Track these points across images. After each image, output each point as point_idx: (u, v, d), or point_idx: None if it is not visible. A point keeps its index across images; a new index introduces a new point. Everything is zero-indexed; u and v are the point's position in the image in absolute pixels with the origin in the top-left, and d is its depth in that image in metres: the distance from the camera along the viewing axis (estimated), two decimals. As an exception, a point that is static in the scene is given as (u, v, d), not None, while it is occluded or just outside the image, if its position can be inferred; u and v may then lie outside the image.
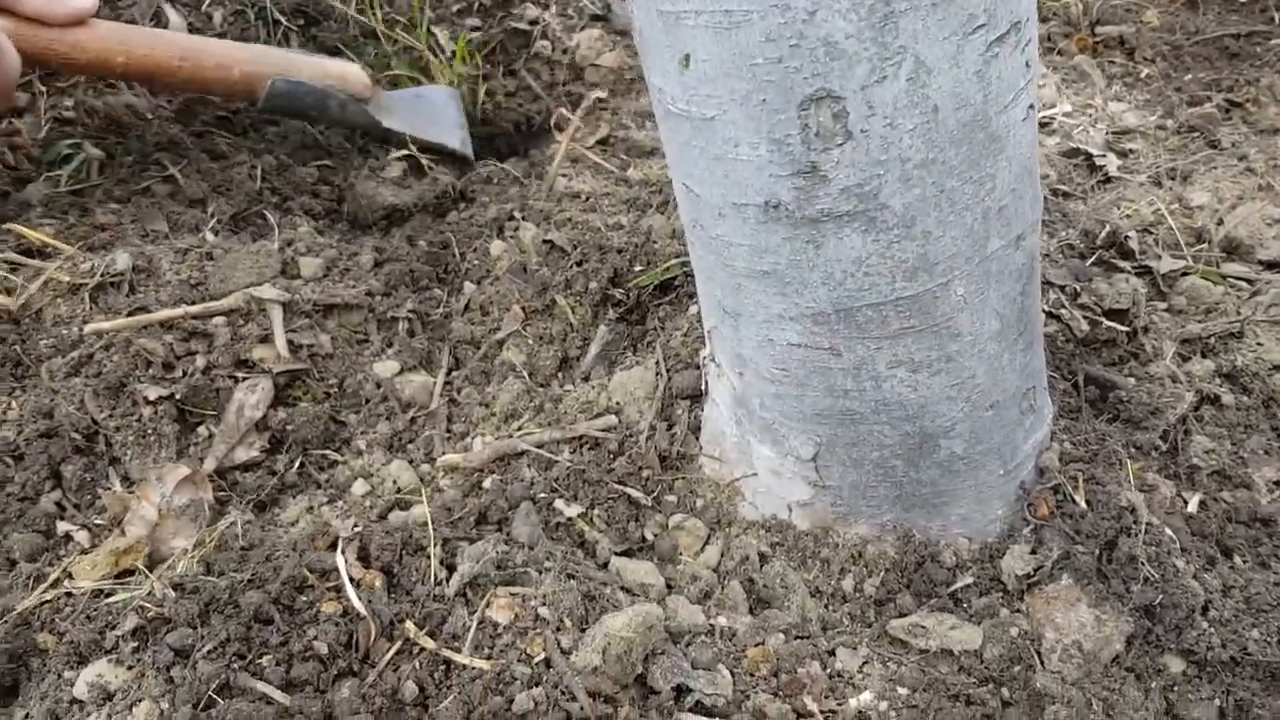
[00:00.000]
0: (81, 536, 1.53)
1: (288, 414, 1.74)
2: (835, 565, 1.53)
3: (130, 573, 1.44)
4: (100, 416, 1.64)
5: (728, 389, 1.55)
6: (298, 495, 1.67)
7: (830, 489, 1.50)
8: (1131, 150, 2.22)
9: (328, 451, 1.75)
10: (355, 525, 1.44)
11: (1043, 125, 2.38)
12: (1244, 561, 1.52)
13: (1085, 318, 1.78)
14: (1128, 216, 1.98)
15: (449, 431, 1.80)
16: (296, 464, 1.71)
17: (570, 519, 1.57)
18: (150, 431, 1.63)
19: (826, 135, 1.17)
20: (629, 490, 1.61)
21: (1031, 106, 1.27)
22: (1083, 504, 1.46)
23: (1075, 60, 2.63)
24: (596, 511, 1.60)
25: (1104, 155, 2.14)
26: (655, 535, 1.58)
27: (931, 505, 1.49)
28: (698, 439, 1.69)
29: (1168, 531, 1.43)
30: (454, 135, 2.57)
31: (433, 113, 2.58)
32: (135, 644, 1.28)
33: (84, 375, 1.68)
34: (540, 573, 1.42)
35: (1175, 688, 1.36)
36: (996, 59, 1.18)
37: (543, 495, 1.60)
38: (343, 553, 1.37)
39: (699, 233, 1.39)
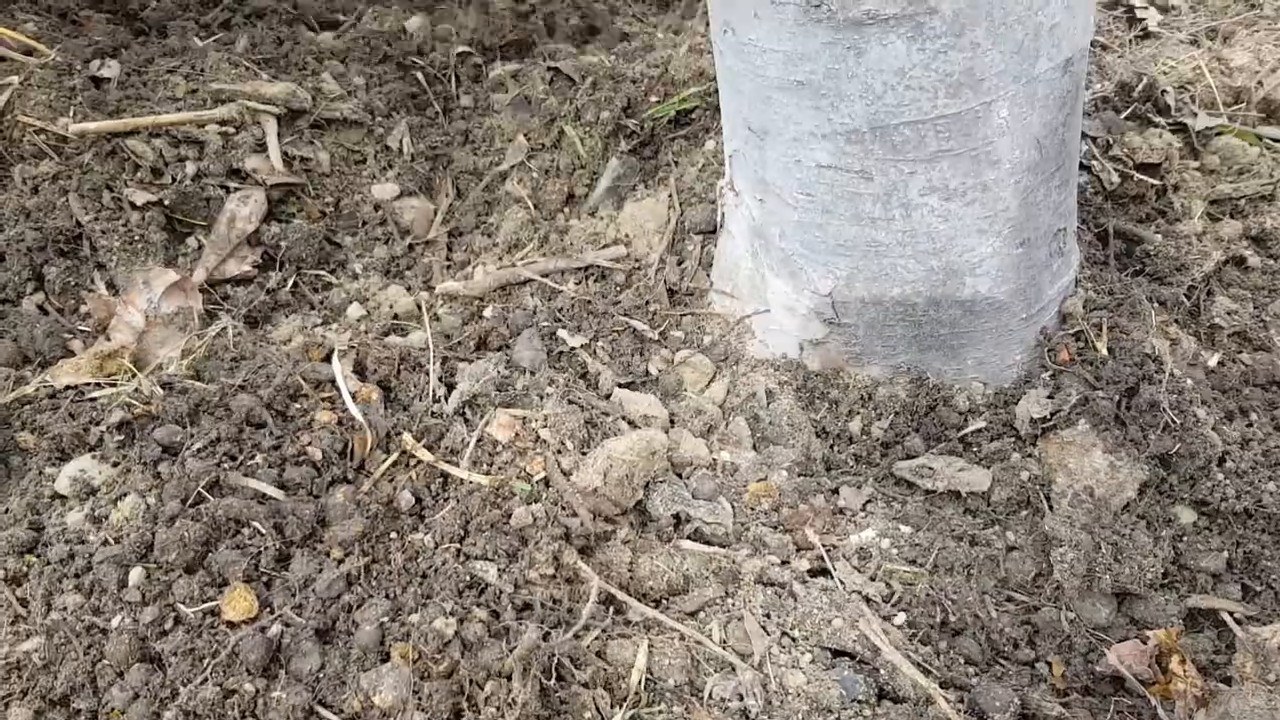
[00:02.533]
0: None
1: (281, 230, 1.64)
2: (844, 406, 1.46)
3: (114, 377, 1.36)
4: (85, 220, 1.54)
5: (746, 218, 1.46)
6: (290, 314, 1.59)
7: (846, 327, 1.43)
8: (1173, 6, 2.08)
9: (322, 272, 1.67)
10: (351, 340, 1.36)
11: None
12: (1260, 420, 1.46)
13: (1116, 170, 1.69)
14: (1165, 72, 1.87)
15: (449, 260, 1.71)
16: (290, 282, 1.63)
17: (573, 349, 1.50)
18: (137, 238, 1.53)
19: (879, -76, 1.06)
20: (634, 323, 1.53)
21: (1100, -90, 1.15)
22: (1104, 351, 1.39)
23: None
24: (600, 343, 1.52)
25: (1146, 8, 2.01)
26: (660, 370, 1.51)
27: (949, 347, 1.42)
28: (709, 274, 1.61)
29: (1189, 382, 1.36)
30: None
31: None
32: (120, 439, 1.21)
33: (68, 178, 1.57)
34: (541, 397, 1.35)
35: (1185, 537, 1.31)
36: None
37: (546, 324, 1.52)
38: (339, 363, 1.29)
39: (729, 39, 1.28)
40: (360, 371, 1.33)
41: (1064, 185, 1.36)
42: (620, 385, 1.47)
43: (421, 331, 1.48)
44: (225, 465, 1.15)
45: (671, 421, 1.44)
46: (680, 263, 1.61)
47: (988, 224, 1.30)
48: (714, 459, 1.38)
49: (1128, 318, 1.45)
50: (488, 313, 1.56)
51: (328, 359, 1.33)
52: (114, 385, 1.29)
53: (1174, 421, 1.29)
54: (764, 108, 1.29)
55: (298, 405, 1.25)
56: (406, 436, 1.22)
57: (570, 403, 1.35)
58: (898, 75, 1.17)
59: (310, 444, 1.19)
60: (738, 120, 1.37)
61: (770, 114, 1.29)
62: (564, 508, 1.17)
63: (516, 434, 1.25)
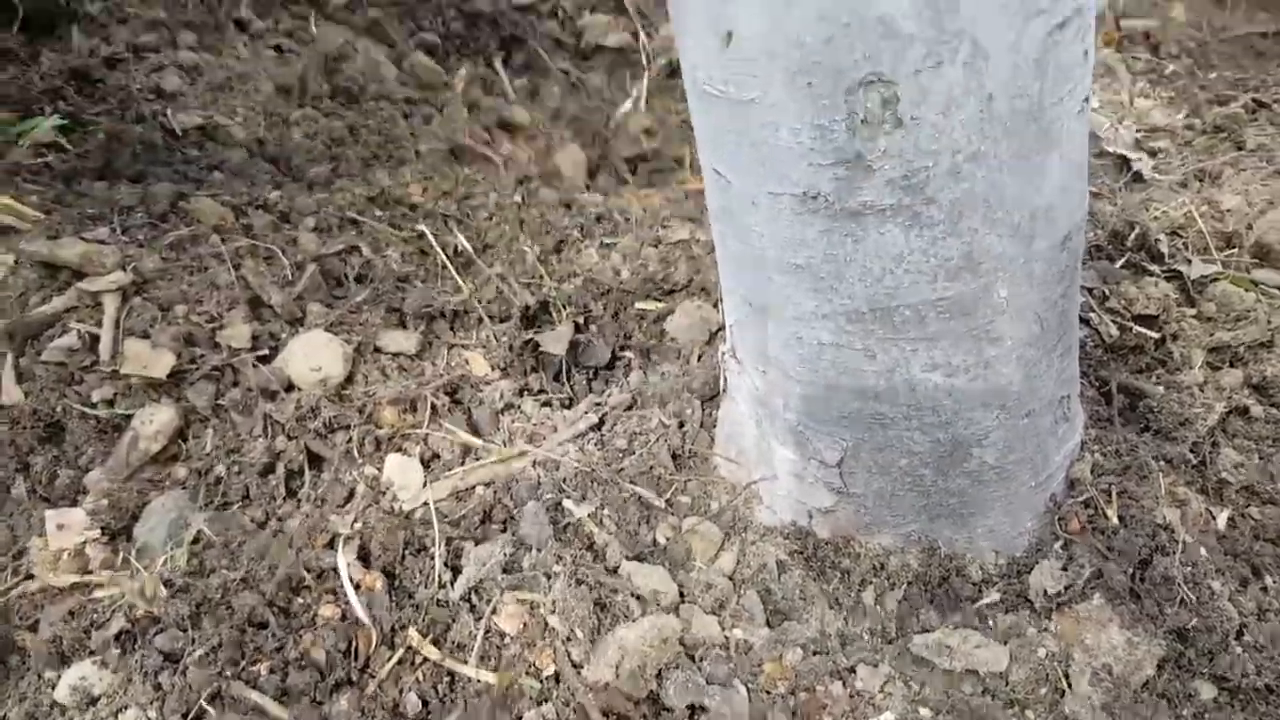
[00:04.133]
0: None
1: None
2: (856, 576, 1.45)
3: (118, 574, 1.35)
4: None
5: (749, 388, 1.47)
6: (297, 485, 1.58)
7: (854, 496, 1.43)
8: (1160, 149, 2.15)
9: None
10: (355, 522, 1.35)
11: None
12: (1274, 581, 1.45)
13: (1114, 322, 1.72)
14: (1156, 219, 1.92)
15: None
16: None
17: (579, 520, 1.49)
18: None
19: (874, 122, 1.09)
20: (640, 490, 1.53)
21: (1086, 99, 1.19)
22: (1115, 519, 1.39)
23: (1101, 55, 2.56)
24: (606, 512, 1.52)
25: (1138, 157, 2.06)
26: (668, 539, 1.50)
27: (959, 516, 1.42)
28: (710, 438, 1.61)
29: (1202, 551, 1.36)
30: None
31: None
32: (122, 645, 1.19)
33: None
34: (549, 577, 1.34)
35: (1207, 714, 1.29)
36: (1057, 46, 1.10)
37: (550, 495, 1.52)
38: (342, 552, 1.28)
39: (728, 222, 1.31)
40: (365, 557, 1.32)
41: (1066, 354, 1.38)
42: (628, 557, 1.46)
43: (425, 509, 1.48)
44: (227, 673, 1.14)
45: (681, 596, 1.42)
46: (681, 426, 1.62)
47: (992, 398, 1.31)
48: (727, 637, 1.36)
49: (1136, 482, 1.45)
50: (491, 486, 1.55)
51: (331, 544, 1.33)
52: (116, 585, 1.28)
53: (1189, 597, 1.29)
54: (764, 287, 1.31)
55: (300, 600, 1.24)
56: (412, 632, 1.21)
57: (579, 582, 1.34)
58: (896, 261, 1.19)
59: (313, 644, 1.17)
60: (738, 296, 1.39)
61: (771, 293, 1.31)
62: (575, 709, 1.15)
63: (524, 624, 1.24)
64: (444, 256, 1.91)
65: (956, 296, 1.22)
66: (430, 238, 1.92)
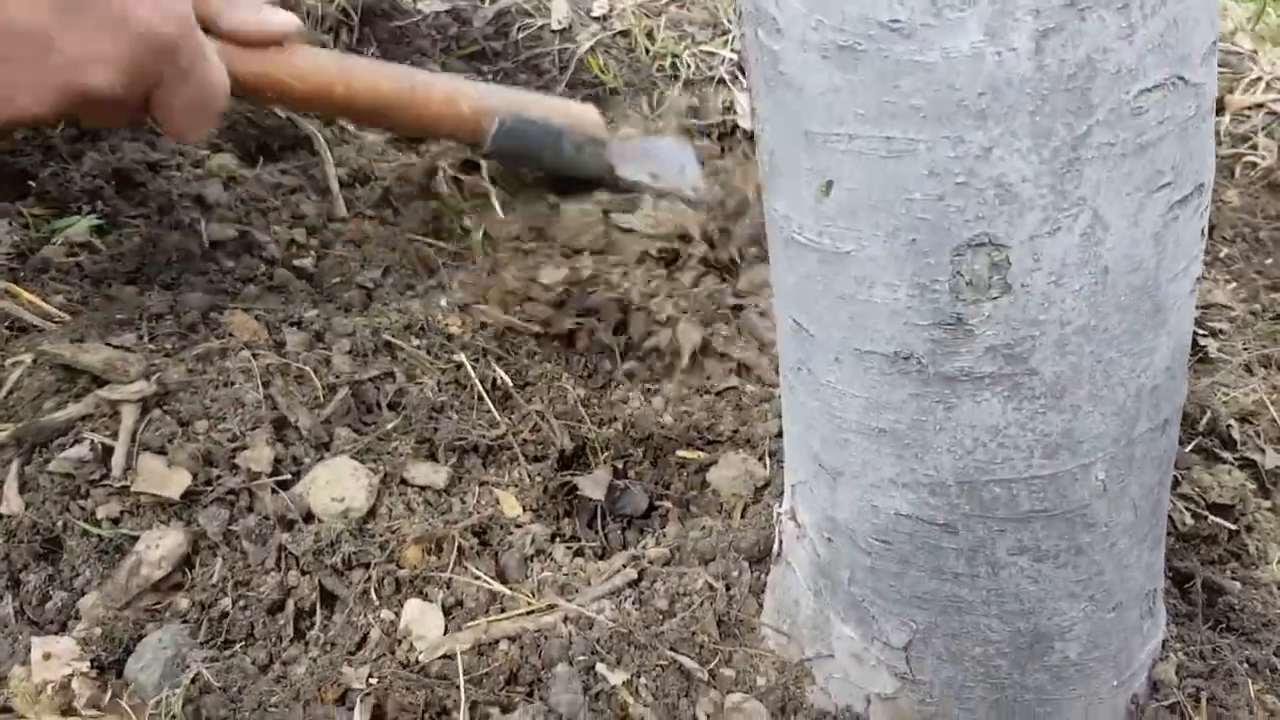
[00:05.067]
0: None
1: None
2: (915, 773, 1.32)
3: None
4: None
5: (809, 554, 1.37)
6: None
7: (920, 684, 1.31)
8: (1221, 330, 2.10)
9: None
10: (370, 676, 1.23)
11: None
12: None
13: (1188, 509, 1.62)
14: (1225, 403, 1.85)
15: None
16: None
17: (614, 687, 1.37)
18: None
19: (980, 286, 1.03)
20: (681, 659, 1.41)
21: (1199, 279, 1.13)
22: (1208, 730, 1.27)
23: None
24: (643, 680, 1.39)
25: (1205, 335, 2.01)
26: (709, 715, 1.37)
27: (1033, 715, 1.30)
28: (758, 604, 1.50)
29: (1307, 773, 1.24)
30: (687, 182, 2.37)
31: (664, 159, 2.38)
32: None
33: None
34: (581, 753, 1.21)
35: None
36: (1176, 222, 1.05)
37: (582, 658, 1.40)
38: (358, 711, 1.16)
39: (804, 377, 1.24)
40: (379, 718, 1.19)
41: (1156, 546, 1.29)
42: (664, 735, 1.33)
43: (444, 662, 1.36)
44: None
45: (721, 783, 1.29)
46: (729, 589, 1.51)
47: (1080, 588, 1.21)
48: (771, 836, 1.22)
49: (1225, 688, 1.34)
50: (517, 642, 1.43)
51: (342, 700, 1.20)
52: (102, 731, 1.15)
53: (1305, 832, 1.16)
54: (839, 449, 1.23)
55: (307, 767, 1.11)
56: (432, 817, 1.08)
57: (612, 763, 1.21)
58: (990, 433, 1.11)
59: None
60: (806, 455, 1.30)
61: (846, 456, 1.22)
62: None
63: (557, 812, 1.11)
64: (481, 389, 1.83)
65: (1053, 475, 1.14)
66: (469, 367, 1.85)
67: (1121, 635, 1.28)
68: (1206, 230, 1.13)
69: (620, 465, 1.82)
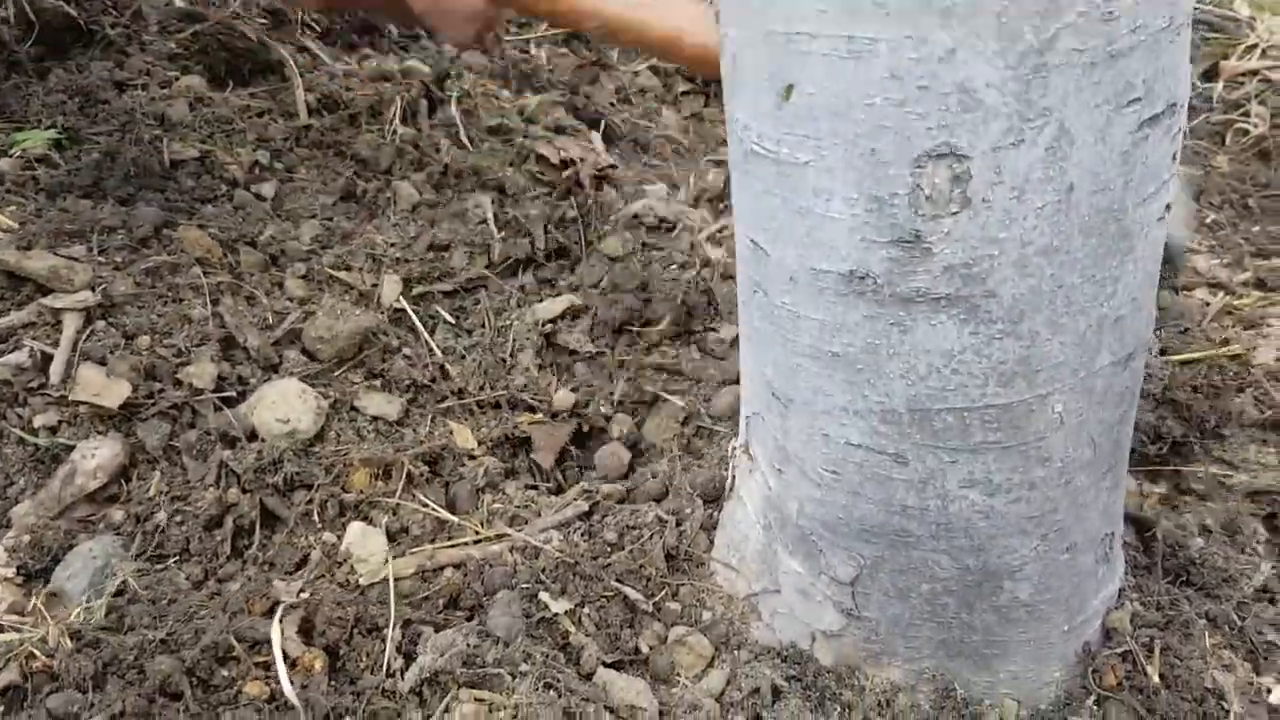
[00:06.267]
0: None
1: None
2: (858, 713, 1.30)
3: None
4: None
5: (760, 488, 1.34)
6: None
7: (865, 621, 1.28)
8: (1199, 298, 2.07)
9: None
10: (302, 591, 1.20)
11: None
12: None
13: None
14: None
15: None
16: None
17: (556, 615, 1.34)
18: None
19: (940, 200, 0.99)
20: (627, 590, 1.38)
21: (1168, 207, 1.10)
22: (1156, 678, 1.25)
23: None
24: (587, 610, 1.36)
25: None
26: (652, 648, 1.35)
27: (980, 656, 1.27)
28: (710, 541, 1.47)
29: (1257, 725, 1.21)
30: None
31: None
32: (7, 703, 1.02)
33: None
34: (515, 676, 1.18)
35: None
36: (1146, 141, 1.01)
37: (526, 585, 1.36)
38: (280, 622, 1.13)
39: (760, 299, 1.20)
40: (308, 631, 1.16)
41: (1115, 488, 1.26)
42: (606, 664, 1.30)
43: (385, 586, 1.33)
44: (126, 749, 0.97)
45: (663, 714, 1.26)
46: (679, 524, 1.48)
47: (1032, 525, 1.18)
48: (707, 768, 1.20)
49: (1180, 639, 1.32)
50: (458, 568, 1.40)
51: (271, 613, 1.17)
52: (17, 631, 1.12)
53: (1247, 779, 1.13)
54: (792, 375, 1.19)
55: (226, 672, 1.08)
56: (350, 725, 1.05)
57: (548, 686, 1.18)
58: (945, 358, 1.08)
59: (233, 726, 1.01)
60: (760, 383, 1.27)
61: (798, 382, 1.19)
62: (530, 837, 0.99)
63: (480, 729, 1.08)
64: (426, 335, 1.78)
65: (1007, 405, 1.10)
66: (412, 316, 1.80)
67: (1074, 579, 1.25)
68: (1179, 155, 1.09)
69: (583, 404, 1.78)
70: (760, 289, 1.19)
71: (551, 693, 1.16)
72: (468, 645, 1.18)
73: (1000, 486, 1.16)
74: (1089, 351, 1.10)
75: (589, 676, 1.28)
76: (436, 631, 1.22)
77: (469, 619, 1.32)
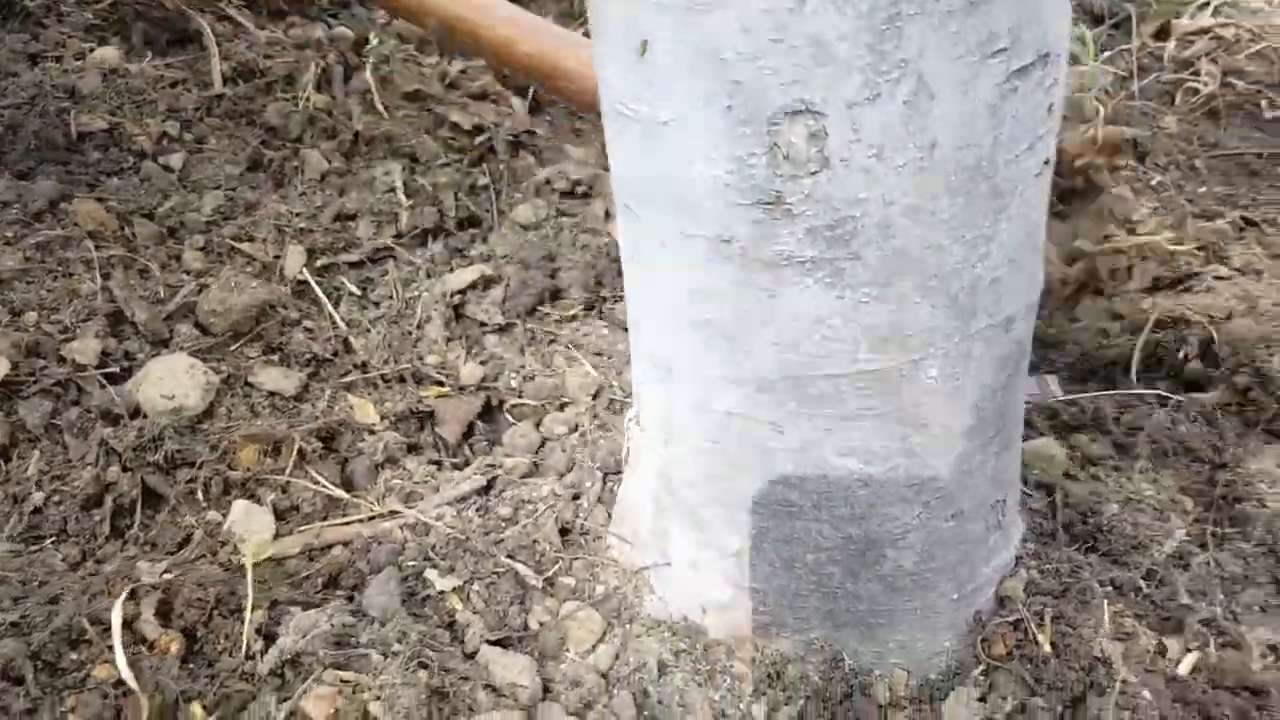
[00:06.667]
0: None
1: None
2: (748, 685, 1.28)
3: None
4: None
5: (651, 459, 1.31)
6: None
7: (754, 592, 1.26)
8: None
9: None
10: (166, 571, 1.16)
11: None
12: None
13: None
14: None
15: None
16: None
17: (442, 593, 1.31)
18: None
19: (798, 160, 0.96)
20: (518, 566, 1.35)
21: (1047, 162, 1.07)
22: (1047, 647, 1.23)
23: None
24: (476, 587, 1.34)
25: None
26: (542, 624, 1.32)
27: (868, 626, 1.26)
28: (608, 514, 1.45)
29: (1146, 695, 1.20)
30: None
31: None
32: None
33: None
34: (386, 656, 1.15)
35: None
36: (1015, 94, 0.98)
37: (413, 562, 1.34)
38: (138, 603, 1.09)
39: (636, 265, 1.17)
40: (166, 614, 1.13)
41: (1004, 451, 1.24)
42: (491, 641, 1.28)
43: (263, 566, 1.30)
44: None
45: (546, 690, 1.24)
46: (576, 498, 1.45)
47: (914, 493, 1.16)
48: (588, 745, 1.18)
49: (1076, 607, 1.30)
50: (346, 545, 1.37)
51: (133, 595, 1.14)
52: None
53: (1124, 748, 1.12)
54: (670, 343, 1.17)
55: (75, 656, 1.05)
56: (195, 709, 1.01)
57: (420, 665, 1.16)
58: (814, 324, 1.05)
59: (73, 710, 0.98)
60: (644, 352, 1.24)
61: (677, 350, 1.16)
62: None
63: (338, 710, 1.05)
64: (330, 307, 1.74)
65: (880, 372, 1.08)
66: (316, 288, 1.76)
67: (962, 546, 1.23)
68: (1060, 108, 1.06)
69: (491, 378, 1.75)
70: (636, 254, 1.16)
71: (424, 672, 1.14)
72: (332, 626, 1.15)
73: (878, 454, 1.13)
74: (964, 315, 1.08)
75: (471, 655, 1.25)
76: (304, 610, 1.19)
77: (349, 599, 1.29)
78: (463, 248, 1.90)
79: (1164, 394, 1.86)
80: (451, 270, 1.84)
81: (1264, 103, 2.82)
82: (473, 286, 1.78)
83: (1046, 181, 1.10)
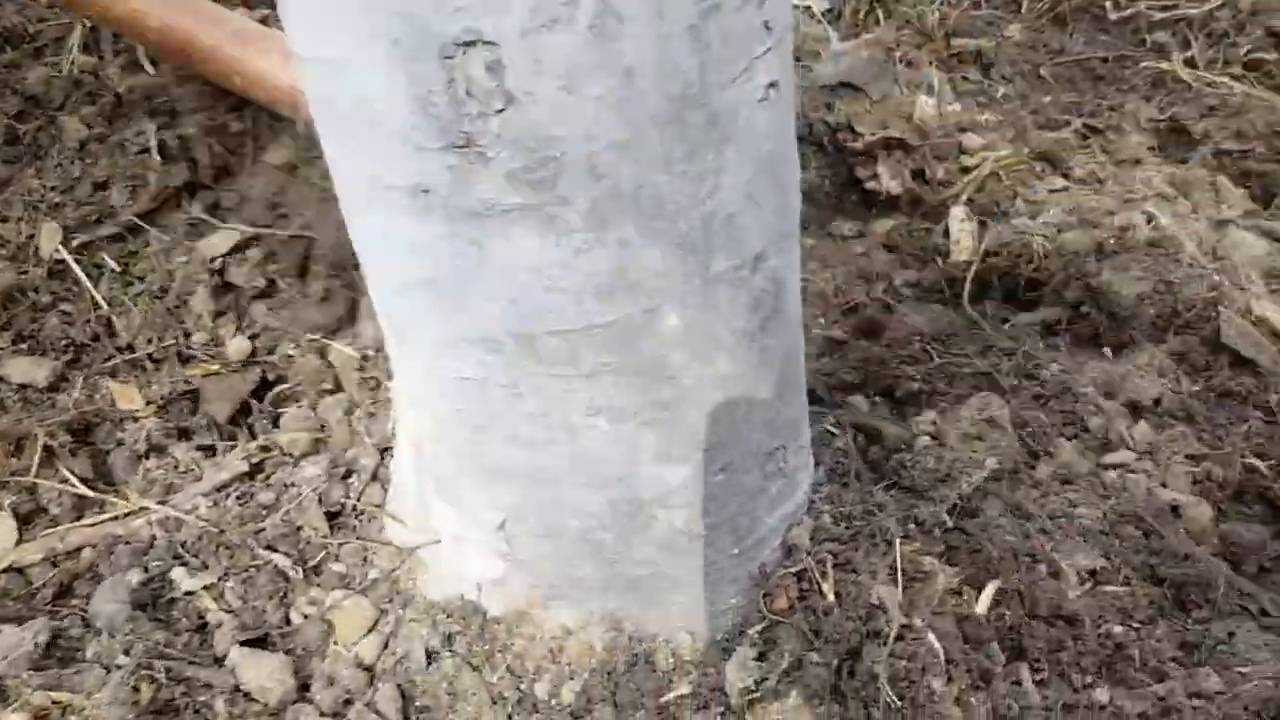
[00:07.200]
0: None
1: None
2: (530, 662, 1.21)
3: None
4: None
5: (405, 429, 1.23)
6: None
7: (525, 564, 1.19)
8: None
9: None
10: None
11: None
12: (1037, 672, 1.26)
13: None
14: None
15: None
16: None
17: (190, 593, 1.21)
18: None
19: (481, 96, 0.87)
20: (276, 558, 1.26)
21: (774, 85, 0.99)
22: (831, 597, 1.18)
23: (925, 74, 2.40)
24: (230, 584, 1.24)
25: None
26: (305, 617, 1.24)
27: (648, 590, 1.20)
28: (385, 493, 1.36)
29: (931, 638, 1.16)
30: None
31: None
32: None
33: None
34: (108, 669, 1.06)
35: None
36: (718, 13, 0.90)
37: (160, 561, 1.24)
38: None
39: (355, 225, 1.07)
40: None
41: (777, 397, 1.17)
42: (244, 641, 1.19)
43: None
44: None
45: (305, 689, 1.16)
46: (348, 476, 1.36)
47: (673, 449, 1.10)
48: (344, 748, 1.10)
49: (865, 551, 1.25)
50: (86, 551, 1.27)
51: None
52: None
53: (893, 700, 1.08)
54: (395, 305, 1.08)
55: None
56: None
57: (148, 679, 1.06)
58: (533, 276, 0.97)
59: None
60: (379, 312, 1.15)
61: (402, 313, 1.08)
62: None
63: (32, 740, 0.95)
64: (90, 287, 1.61)
65: (613, 324, 1.00)
66: (74, 267, 1.62)
67: (738, 499, 1.18)
68: (782, 26, 0.98)
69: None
70: (350, 209, 1.06)
71: (145, 687, 1.04)
72: (36, 645, 1.05)
73: (626, 411, 1.06)
74: (699, 256, 1.00)
75: (221, 659, 1.17)
76: (13, 628, 1.09)
77: (83, 606, 1.18)
78: (219, 203, 1.75)
79: (998, 316, 1.83)
80: (214, 231, 1.70)
81: (1109, 4, 2.78)
82: (233, 250, 1.65)
83: (781, 106, 1.02)
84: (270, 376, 1.59)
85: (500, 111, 0.88)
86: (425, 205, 0.95)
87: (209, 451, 1.49)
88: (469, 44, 0.85)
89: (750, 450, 1.17)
